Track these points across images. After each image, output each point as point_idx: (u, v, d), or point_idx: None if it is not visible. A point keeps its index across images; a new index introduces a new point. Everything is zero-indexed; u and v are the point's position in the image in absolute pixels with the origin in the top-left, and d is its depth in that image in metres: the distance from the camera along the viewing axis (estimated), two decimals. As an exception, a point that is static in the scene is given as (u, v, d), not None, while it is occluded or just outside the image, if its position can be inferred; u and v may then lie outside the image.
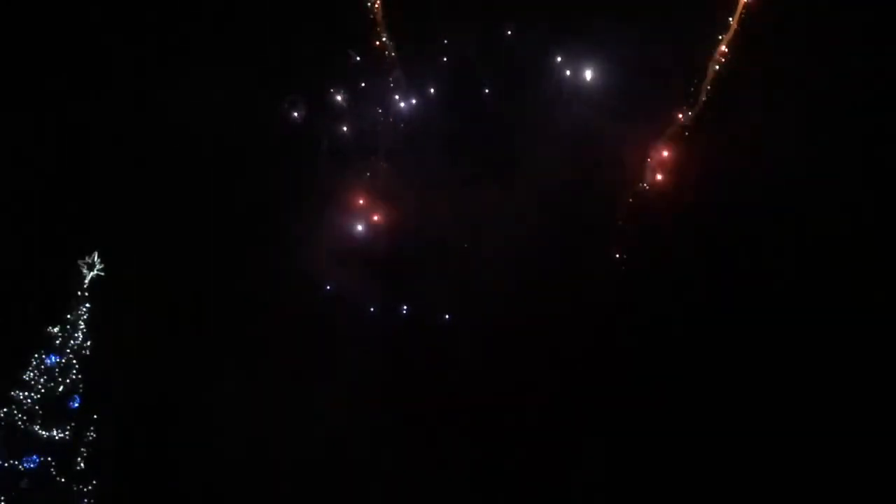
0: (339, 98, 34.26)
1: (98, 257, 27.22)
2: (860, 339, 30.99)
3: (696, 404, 32.05)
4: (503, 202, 33.60)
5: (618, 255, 34.22)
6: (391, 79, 34.22)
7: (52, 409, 26.10)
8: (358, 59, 33.97)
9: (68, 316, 26.73)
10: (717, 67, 32.22)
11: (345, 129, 34.62)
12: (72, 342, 26.59)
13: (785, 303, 32.08)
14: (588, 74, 33.90)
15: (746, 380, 32.00)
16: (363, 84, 34.27)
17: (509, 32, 34.32)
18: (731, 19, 31.73)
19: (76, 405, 26.41)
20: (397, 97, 34.66)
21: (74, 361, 26.54)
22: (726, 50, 31.93)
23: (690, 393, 32.22)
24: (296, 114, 33.97)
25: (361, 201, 34.49)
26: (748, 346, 32.19)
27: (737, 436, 31.71)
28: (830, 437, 30.57)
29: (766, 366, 32.03)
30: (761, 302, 32.45)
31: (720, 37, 32.01)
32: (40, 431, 25.88)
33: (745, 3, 31.45)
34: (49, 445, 25.88)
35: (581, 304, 33.27)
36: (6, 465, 25.53)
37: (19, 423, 25.78)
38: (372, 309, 34.50)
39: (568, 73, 34.25)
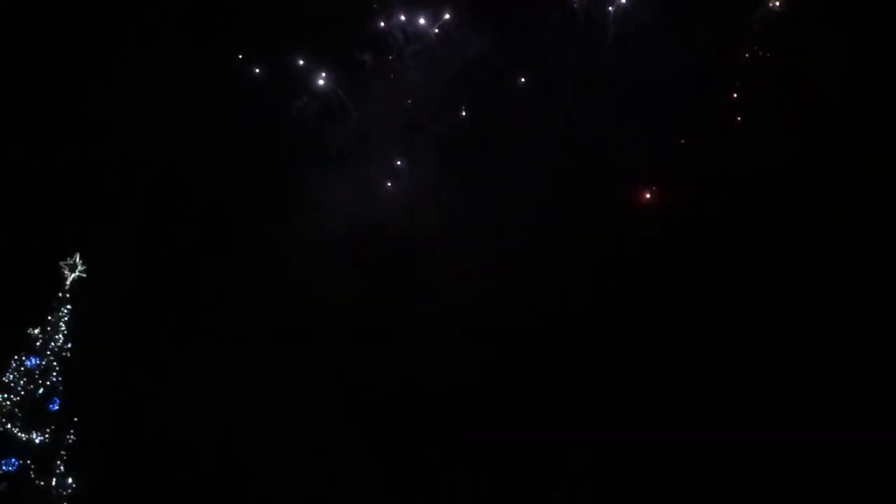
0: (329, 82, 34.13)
1: (80, 259, 27.17)
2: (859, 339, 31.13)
3: (697, 407, 32.11)
4: (501, 202, 33.58)
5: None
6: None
7: (32, 412, 26.00)
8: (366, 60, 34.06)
9: (49, 318, 26.67)
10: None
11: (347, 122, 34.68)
12: (52, 344, 26.51)
13: (784, 302, 32.21)
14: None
15: (745, 380, 32.09)
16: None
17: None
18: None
19: (56, 408, 26.32)
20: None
21: (55, 363, 26.46)
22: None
23: (689, 395, 32.26)
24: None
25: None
26: (747, 347, 32.27)
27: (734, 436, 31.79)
28: (829, 437, 30.67)
29: (764, 366, 32.12)
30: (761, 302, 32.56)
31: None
32: (19, 434, 25.77)
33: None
34: (28, 448, 25.76)
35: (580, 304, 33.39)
36: (-16, 467, 25.48)
37: (-2, 425, 25.72)
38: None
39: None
